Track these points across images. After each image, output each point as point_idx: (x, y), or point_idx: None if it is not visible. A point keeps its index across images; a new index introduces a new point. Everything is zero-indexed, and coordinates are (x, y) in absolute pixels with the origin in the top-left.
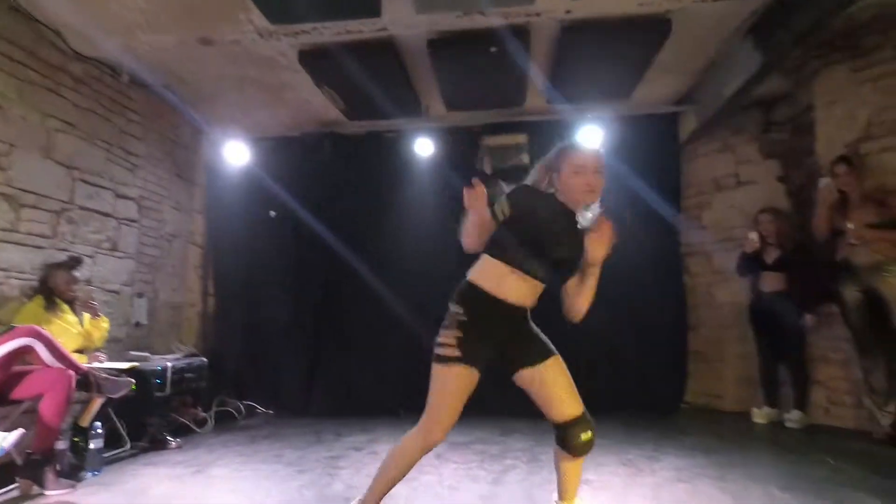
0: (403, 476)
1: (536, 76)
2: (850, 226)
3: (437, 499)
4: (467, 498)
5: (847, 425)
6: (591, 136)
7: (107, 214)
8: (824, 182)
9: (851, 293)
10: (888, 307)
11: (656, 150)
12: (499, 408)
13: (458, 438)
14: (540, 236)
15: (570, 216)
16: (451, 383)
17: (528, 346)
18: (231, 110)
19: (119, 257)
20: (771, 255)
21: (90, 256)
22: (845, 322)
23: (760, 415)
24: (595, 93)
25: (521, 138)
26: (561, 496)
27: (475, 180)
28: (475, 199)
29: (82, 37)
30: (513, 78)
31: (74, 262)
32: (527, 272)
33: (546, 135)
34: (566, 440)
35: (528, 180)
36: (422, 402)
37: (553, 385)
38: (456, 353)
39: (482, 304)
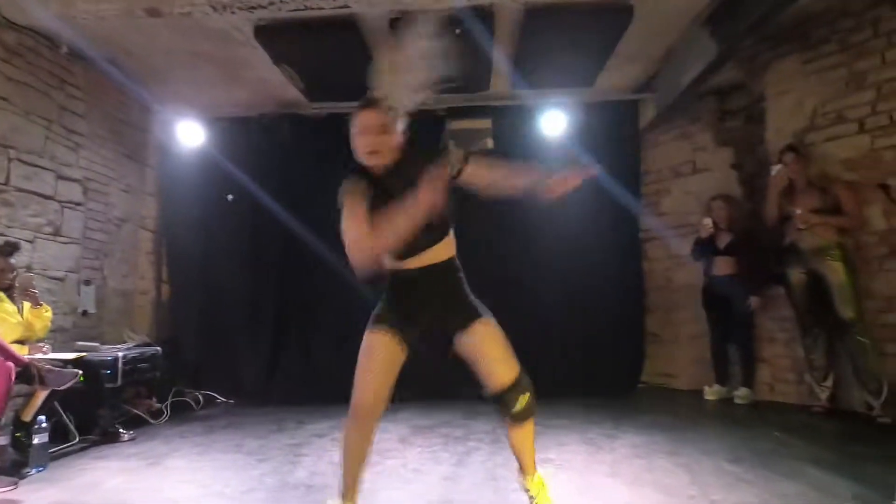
0: (360, 461)
1: (500, 61)
2: (797, 211)
3: (402, 481)
4: (431, 480)
5: (790, 400)
6: (555, 122)
7: (48, 197)
8: (778, 169)
9: (796, 275)
10: (829, 288)
11: (617, 137)
12: (462, 392)
13: (422, 422)
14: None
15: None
16: (368, 345)
17: (452, 314)
18: (183, 88)
19: (63, 242)
20: (723, 240)
21: (29, 241)
22: (790, 303)
23: (711, 392)
24: (558, 79)
25: (485, 123)
26: (521, 469)
27: None
28: None
29: (13, 2)
30: (477, 62)
31: (10, 247)
32: (395, 258)
33: (510, 120)
34: (504, 409)
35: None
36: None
37: (481, 354)
38: (377, 320)
39: (393, 283)
